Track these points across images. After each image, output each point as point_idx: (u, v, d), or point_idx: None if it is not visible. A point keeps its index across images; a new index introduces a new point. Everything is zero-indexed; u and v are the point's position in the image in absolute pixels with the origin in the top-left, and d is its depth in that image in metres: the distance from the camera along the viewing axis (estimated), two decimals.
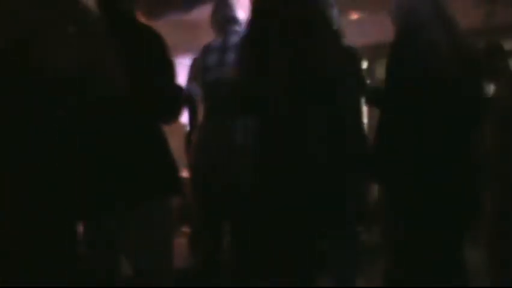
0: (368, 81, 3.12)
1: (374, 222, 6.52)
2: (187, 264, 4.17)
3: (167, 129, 2.42)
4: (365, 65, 6.58)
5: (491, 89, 3.49)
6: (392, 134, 2.41)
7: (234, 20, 3.09)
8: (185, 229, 5.30)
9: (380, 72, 2.65)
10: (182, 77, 2.83)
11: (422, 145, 2.34)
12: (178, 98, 2.47)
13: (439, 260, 2.41)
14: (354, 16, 7.18)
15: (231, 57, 2.96)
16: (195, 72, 3.18)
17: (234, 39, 3.01)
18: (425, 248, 2.37)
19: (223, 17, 3.11)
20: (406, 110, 2.35)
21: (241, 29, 3.01)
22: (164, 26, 3.00)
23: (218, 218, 2.95)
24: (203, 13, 6.12)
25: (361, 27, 6.84)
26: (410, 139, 2.36)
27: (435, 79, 2.33)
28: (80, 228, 2.12)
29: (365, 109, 3.27)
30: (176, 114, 2.43)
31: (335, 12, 3.04)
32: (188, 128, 3.25)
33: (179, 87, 2.47)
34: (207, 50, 3.13)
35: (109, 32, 2.21)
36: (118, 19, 2.35)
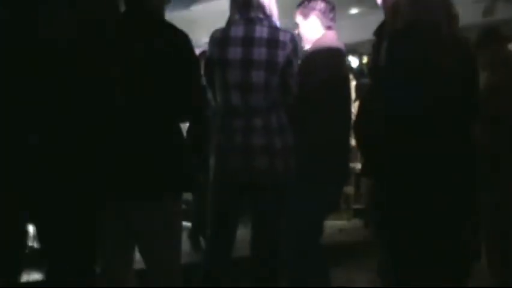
0: None
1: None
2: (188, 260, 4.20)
3: None
4: (365, 59, 6.59)
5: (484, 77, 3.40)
6: (386, 130, 2.39)
7: (258, 4, 2.72)
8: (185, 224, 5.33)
9: None
10: None
11: (418, 141, 2.33)
12: (205, 97, 2.54)
13: (439, 260, 2.39)
14: (355, 11, 7.18)
15: (257, 53, 2.67)
16: (205, 68, 2.84)
17: (261, 30, 2.69)
18: (421, 247, 2.35)
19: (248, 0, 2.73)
20: (400, 106, 2.33)
21: (266, 18, 2.73)
22: None
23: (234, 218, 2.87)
24: (200, 8, 6.14)
25: (361, 22, 6.83)
26: (404, 135, 2.34)
27: (432, 75, 2.32)
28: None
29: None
30: (203, 114, 2.46)
31: None
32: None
33: (203, 86, 2.53)
34: (224, 41, 2.72)
35: (137, 30, 2.32)
36: (146, 18, 2.39)
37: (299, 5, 3.20)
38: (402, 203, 2.31)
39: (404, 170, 2.30)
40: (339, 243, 5.29)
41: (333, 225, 5.62)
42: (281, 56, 2.68)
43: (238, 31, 2.70)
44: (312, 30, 3.15)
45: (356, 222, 6.80)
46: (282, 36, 2.69)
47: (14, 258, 1.89)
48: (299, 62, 2.94)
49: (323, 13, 3.15)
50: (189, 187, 2.55)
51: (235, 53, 2.68)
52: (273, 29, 2.72)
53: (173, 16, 4.72)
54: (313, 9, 3.15)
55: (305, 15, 3.16)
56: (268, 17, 2.74)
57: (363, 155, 2.58)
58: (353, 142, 3.06)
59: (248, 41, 2.68)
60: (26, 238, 1.95)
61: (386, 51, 2.42)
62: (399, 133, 2.33)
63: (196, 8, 5.65)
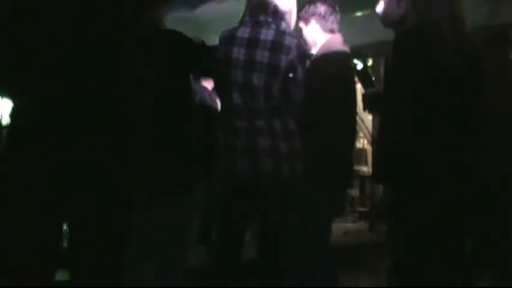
0: (373, 78, 3.11)
1: (377, 221, 6.51)
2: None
3: None
4: (369, 62, 6.60)
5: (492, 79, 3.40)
6: (394, 135, 2.39)
7: (267, 8, 2.72)
8: None
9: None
10: None
11: (426, 145, 2.33)
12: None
13: (443, 260, 2.40)
14: (359, 13, 7.17)
15: (260, 55, 2.67)
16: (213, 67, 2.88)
17: (267, 33, 2.69)
18: (429, 248, 2.36)
19: (260, 3, 2.73)
20: (410, 110, 2.34)
21: (274, 21, 2.72)
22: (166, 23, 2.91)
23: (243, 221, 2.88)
24: (206, 11, 6.15)
25: (365, 25, 6.84)
26: (412, 139, 2.35)
27: (440, 79, 2.33)
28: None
29: None
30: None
31: None
32: None
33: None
34: (230, 41, 2.73)
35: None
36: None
37: (300, 10, 3.16)
38: (421, 205, 2.33)
39: (412, 173, 2.32)
40: (343, 245, 5.31)
41: (338, 227, 5.64)
42: (284, 60, 2.65)
43: (245, 32, 2.71)
44: (314, 35, 3.16)
45: (361, 224, 6.83)
46: (287, 41, 2.67)
47: (49, 259, 1.88)
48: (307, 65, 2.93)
49: (323, 17, 3.15)
50: (188, 188, 2.61)
51: (238, 53, 2.69)
52: (280, 32, 2.69)
53: (179, 18, 4.76)
54: (313, 14, 3.15)
55: (305, 22, 3.18)
56: (277, 21, 2.71)
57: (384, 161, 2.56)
58: (358, 145, 3.09)
59: (253, 43, 2.68)
60: (61, 239, 1.94)
61: (390, 55, 2.43)
62: (407, 137, 2.35)
63: (201, 10, 5.65)
